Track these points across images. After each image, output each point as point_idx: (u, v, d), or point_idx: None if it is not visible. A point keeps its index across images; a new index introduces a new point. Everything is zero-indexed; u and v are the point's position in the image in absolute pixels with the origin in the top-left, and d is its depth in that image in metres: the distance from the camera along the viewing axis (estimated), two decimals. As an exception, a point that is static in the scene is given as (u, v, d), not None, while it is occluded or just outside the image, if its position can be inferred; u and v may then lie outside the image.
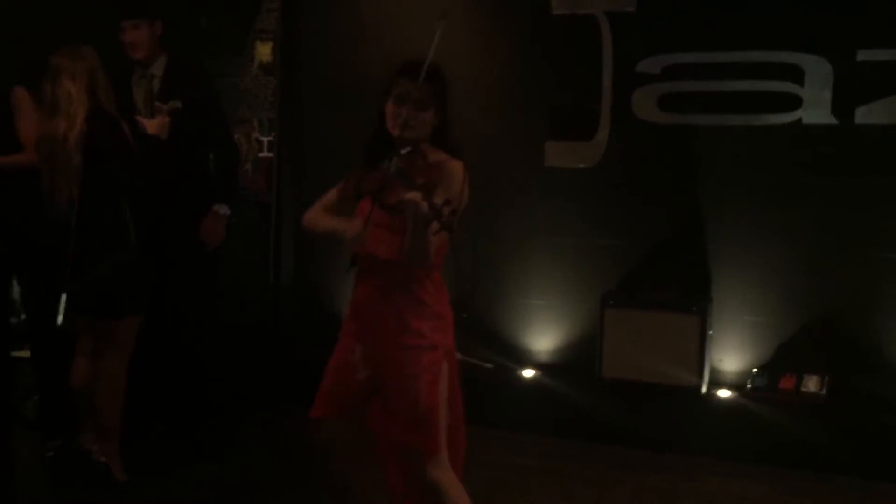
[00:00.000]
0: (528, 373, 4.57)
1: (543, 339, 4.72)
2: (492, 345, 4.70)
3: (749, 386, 4.24)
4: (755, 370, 4.29)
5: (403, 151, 2.51)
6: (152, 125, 3.62)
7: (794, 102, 4.21)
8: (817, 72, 4.15)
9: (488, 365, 4.61)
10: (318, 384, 2.76)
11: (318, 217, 2.76)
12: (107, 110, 3.51)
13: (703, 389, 4.21)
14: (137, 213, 3.59)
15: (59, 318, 3.51)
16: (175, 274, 3.93)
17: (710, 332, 4.25)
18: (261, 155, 5.06)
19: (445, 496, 2.57)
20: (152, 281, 3.71)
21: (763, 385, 4.21)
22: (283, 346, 4.98)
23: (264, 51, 5.07)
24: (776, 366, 4.28)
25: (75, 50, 3.50)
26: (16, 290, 4.26)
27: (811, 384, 4.13)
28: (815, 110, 4.18)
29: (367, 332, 2.65)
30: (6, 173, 3.75)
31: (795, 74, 4.19)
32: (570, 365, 4.60)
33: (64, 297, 3.51)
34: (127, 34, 3.84)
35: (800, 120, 4.21)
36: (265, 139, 5.09)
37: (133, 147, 3.56)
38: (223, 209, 3.94)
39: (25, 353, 4.30)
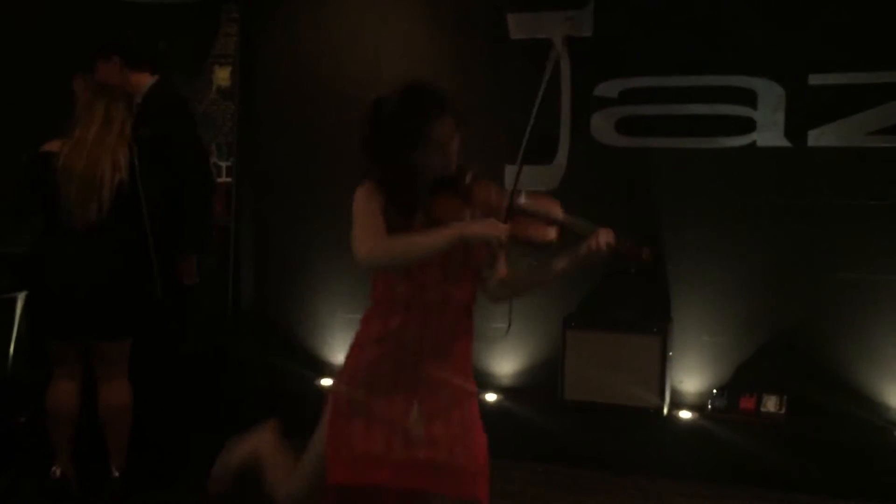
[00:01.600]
0: (491, 396, 4.55)
1: (505, 362, 4.71)
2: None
3: (709, 406, 4.26)
4: (715, 391, 4.32)
5: (469, 180, 2.35)
6: None
7: (749, 126, 4.28)
8: (770, 96, 4.23)
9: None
10: (275, 409, 2.69)
11: (398, 241, 2.29)
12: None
13: (665, 411, 4.22)
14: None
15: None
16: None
17: (671, 353, 4.27)
18: (219, 180, 5.02)
19: None
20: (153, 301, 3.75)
21: (723, 405, 4.24)
22: (242, 372, 4.91)
23: (222, 75, 5.05)
24: (736, 386, 4.31)
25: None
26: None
27: (770, 404, 4.17)
28: (769, 133, 4.25)
29: (429, 383, 2.38)
30: None
31: (749, 98, 4.26)
32: (533, 388, 4.59)
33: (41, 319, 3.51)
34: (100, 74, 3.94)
35: (754, 142, 4.28)
36: (223, 164, 5.05)
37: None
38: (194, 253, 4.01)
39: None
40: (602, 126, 4.49)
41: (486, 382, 4.68)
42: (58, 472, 3.60)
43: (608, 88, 4.46)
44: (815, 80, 4.15)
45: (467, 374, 2.46)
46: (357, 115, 5.16)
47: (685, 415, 4.25)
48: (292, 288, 5.08)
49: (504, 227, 2.24)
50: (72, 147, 3.50)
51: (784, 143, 4.23)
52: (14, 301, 3.98)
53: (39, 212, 3.55)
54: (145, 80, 3.98)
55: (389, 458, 2.34)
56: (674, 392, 4.36)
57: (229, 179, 5.04)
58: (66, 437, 3.62)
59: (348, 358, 2.46)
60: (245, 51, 5.06)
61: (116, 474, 3.65)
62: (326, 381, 4.83)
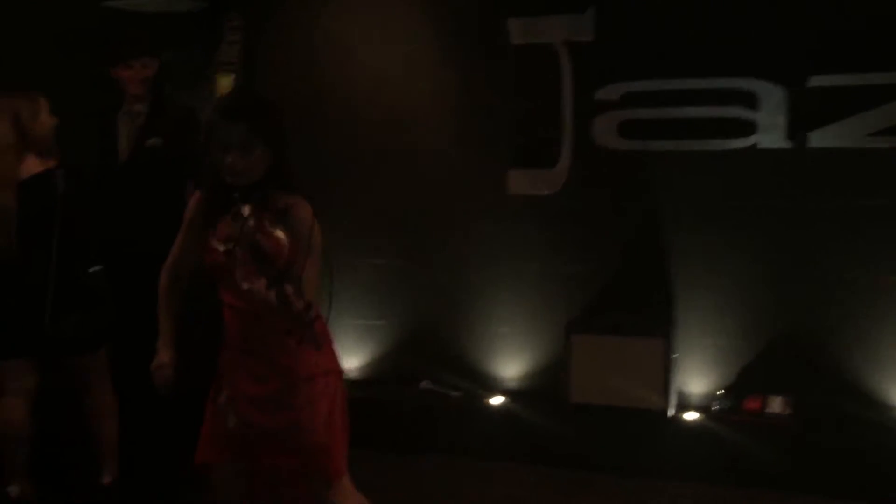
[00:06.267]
0: (496, 400, 4.57)
1: (510, 365, 4.72)
2: (459, 373, 4.69)
3: (714, 408, 4.27)
4: (720, 392, 4.33)
5: (243, 204, 2.40)
6: None
7: (750, 128, 4.29)
8: (771, 97, 4.24)
9: (456, 393, 4.59)
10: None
11: (160, 294, 2.71)
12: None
13: (670, 412, 4.23)
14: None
15: None
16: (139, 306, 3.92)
17: (675, 354, 4.28)
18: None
19: None
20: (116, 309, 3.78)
21: (728, 407, 4.24)
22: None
23: (225, 83, 5.07)
24: (741, 387, 4.32)
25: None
26: None
27: (775, 405, 4.17)
28: (770, 135, 4.26)
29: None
30: None
31: (750, 100, 4.27)
32: (538, 391, 4.59)
33: None
34: (137, 71, 4.05)
35: (755, 145, 4.29)
36: (228, 171, 5.06)
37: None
38: None
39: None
40: (604, 130, 4.50)
41: (491, 385, 4.69)
42: (14, 492, 3.59)
43: (610, 92, 4.47)
44: (815, 81, 4.16)
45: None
46: (359, 120, 5.19)
47: (690, 416, 4.26)
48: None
49: None
50: None
51: (785, 144, 4.24)
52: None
53: None
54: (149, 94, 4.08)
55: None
56: (679, 394, 4.36)
57: (233, 186, 5.05)
58: (18, 457, 3.62)
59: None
60: (248, 58, 5.07)
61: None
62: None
